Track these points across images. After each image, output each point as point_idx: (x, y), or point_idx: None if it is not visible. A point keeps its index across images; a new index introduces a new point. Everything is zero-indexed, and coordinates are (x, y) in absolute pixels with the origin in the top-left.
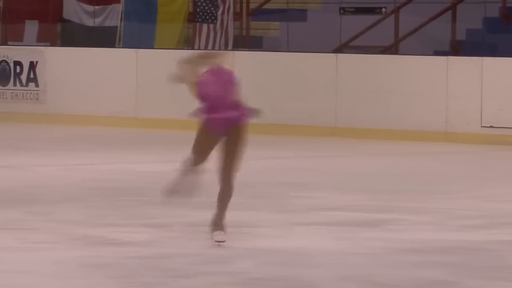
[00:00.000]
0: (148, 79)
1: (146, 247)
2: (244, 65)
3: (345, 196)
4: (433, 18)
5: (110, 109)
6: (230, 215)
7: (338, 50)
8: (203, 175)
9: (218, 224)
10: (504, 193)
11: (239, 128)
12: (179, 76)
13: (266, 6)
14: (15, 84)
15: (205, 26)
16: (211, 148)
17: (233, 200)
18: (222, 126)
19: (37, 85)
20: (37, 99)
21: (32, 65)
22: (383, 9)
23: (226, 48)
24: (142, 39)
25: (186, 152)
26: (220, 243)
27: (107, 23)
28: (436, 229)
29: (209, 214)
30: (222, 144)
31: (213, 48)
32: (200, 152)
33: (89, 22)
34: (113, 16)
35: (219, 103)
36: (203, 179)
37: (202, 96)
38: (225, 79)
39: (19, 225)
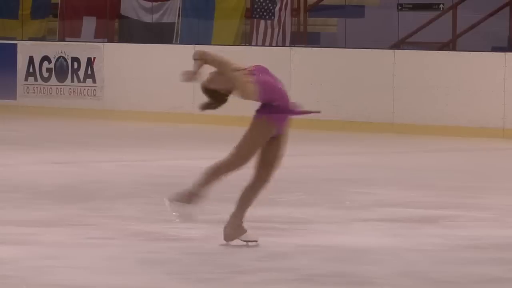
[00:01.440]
0: (205, 75)
1: (203, 242)
2: (301, 62)
3: (402, 193)
4: (491, 14)
5: (167, 105)
6: (288, 212)
7: (396, 46)
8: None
9: (240, 224)
10: None
11: (287, 129)
12: (193, 73)
13: (324, 2)
14: (72, 80)
15: (262, 22)
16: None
17: (292, 197)
18: (284, 124)
19: (94, 81)
20: (95, 95)
21: (90, 61)
22: (441, 5)
23: (283, 44)
24: (199, 36)
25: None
26: (252, 243)
27: (165, 20)
28: (494, 225)
29: (267, 210)
30: (272, 141)
31: (270, 44)
32: (252, 153)
33: (146, 18)
34: (170, 13)
35: (286, 101)
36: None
37: (269, 96)
38: (275, 77)
39: (77, 221)
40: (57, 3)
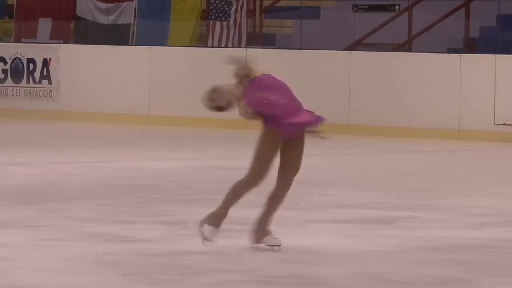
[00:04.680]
0: (161, 76)
1: (159, 244)
2: (257, 63)
3: (358, 194)
4: (447, 16)
5: (123, 107)
6: (244, 213)
7: (351, 47)
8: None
9: (266, 228)
10: None
11: (304, 132)
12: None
13: (280, 4)
14: (28, 82)
15: (218, 24)
16: (275, 156)
17: (248, 197)
18: (296, 131)
19: (50, 83)
20: (50, 96)
21: (46, 63)
22: (397, 7)
23: (239, 45)
24: (155, 37)
25: (198, 149)
26: (276, 247)
27: (121, 21)
28: (449, 226)
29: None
30: (288, 147)
31: (226, 45)
32: (265, 165)
33: (102, 19)
34: (126, 14)
35: (291, 108)
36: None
37: (264, 111)
38: (282, 85)
39: (33, 222)
40: (13, 4)
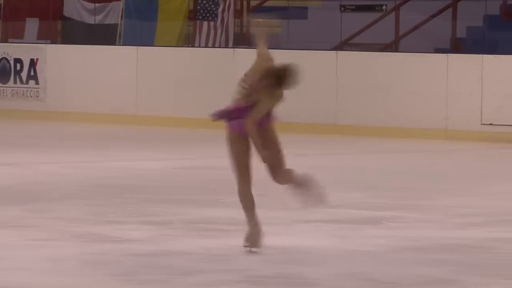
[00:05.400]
0: (148, 76)
1: (146, 244)
2: (244, 62)
3: (345, 194)
4: (434, 16)
5: (110, 107)
6: (232, 213)
7: (339, 47)
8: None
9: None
10: (504, 191)
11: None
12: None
13: (267, 4)
14: (15, 82)
15: (205, 24)
16: (248, 153)
17: (235, 198)
18: (235, 124)
19: (37, 83)
20: (37, 96)
21: (33, 63)
22: (384, 7)
23: (226, 45)
24: (142, 37)
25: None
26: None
27: (108, 21)
28: (436, 226)
29: (211, 212)
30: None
31: (213, 45)
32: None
33: (89, 19)
34: (113, 14)
35: (238, 107)
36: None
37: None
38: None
39: (20, 222)
40: (0, 4)
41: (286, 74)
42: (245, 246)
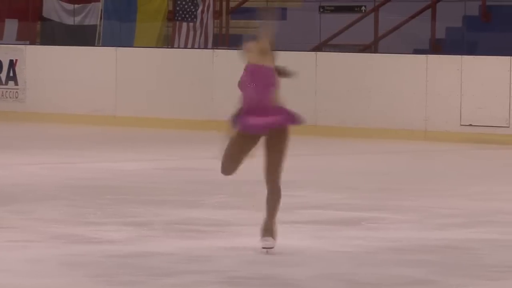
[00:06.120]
0: (127, 77)
1: (126, 245)
2: (223, 64)
3: (326, 195)
4: (413, 17)
5: (90, 108)
6: (211, 214)
7: (318, 48)
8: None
9: (266, 229)
10: (484, 192)
11: (281, 130)
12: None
13: (246, 5)
14: None
15: (184, 25)
16: (245, 153)
17: (215, 199)
18: (261, 128)
19: (16, 84)
20: (17, 97)
21: (12, 64)
22: (363, 8)
23: (206, 46)
24: (121, 38)
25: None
26: (268, 250)
27: (87, 22)
28: (416, 227)
29: (190, 213)
30: (265, 145)
31: (192, 46)
32: (226, 158)
33: (68, 20)
34: (92, 15)
35: (257, 106)
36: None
37: (241, 97)
38: (264, 80)
39: None
40: None
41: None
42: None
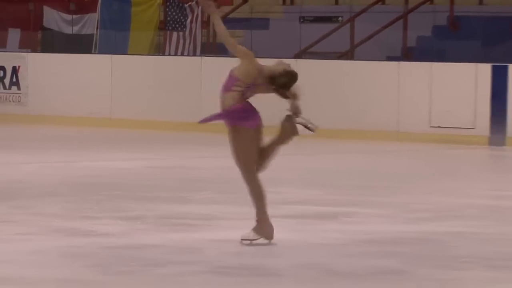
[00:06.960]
0: (122, 82)
1: (120, 238)
2: (211, 70)
3: (304, 191)
4: (386, 26)
5: (87, 110)
6: (199, 209)
7: (298, 56)
8: None
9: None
10: (452, 188)
11: (231, 130)
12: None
13: (231, 15)
14: None
15: (175, 34)
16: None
17: (203, 195)
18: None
19: (19, 88)
20: (19, 101)
21: (15, 70)
22: (340, 18)
23: (194, 54)
24: (116, 46)
25: (156, 150)
26: (244, 241)
27: (84, 31)
28: (389, 221)
29: (179, 208)
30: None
31: (182, 54)
32: (254, 158)
33: (67, 30)
34: (89, 25)
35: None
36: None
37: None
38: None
39: (2, 218)
40: None
41: (290, 81)
42: (253, 240)
